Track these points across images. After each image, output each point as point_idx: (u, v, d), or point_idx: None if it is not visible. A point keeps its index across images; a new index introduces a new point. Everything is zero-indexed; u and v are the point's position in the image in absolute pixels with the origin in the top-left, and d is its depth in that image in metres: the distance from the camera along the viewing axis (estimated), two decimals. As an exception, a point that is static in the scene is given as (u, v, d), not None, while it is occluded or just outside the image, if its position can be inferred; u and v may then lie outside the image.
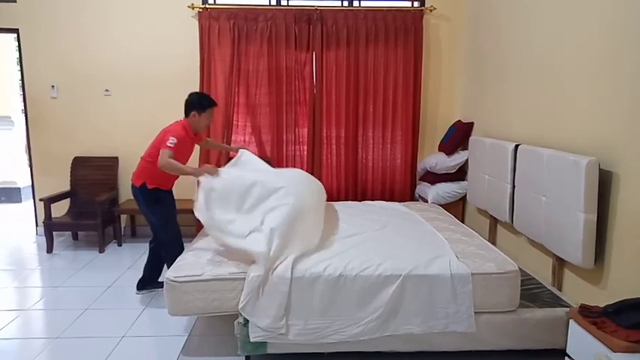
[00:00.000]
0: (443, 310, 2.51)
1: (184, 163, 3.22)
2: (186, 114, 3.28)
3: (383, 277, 2.52)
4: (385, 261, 2.60)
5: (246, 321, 2.48)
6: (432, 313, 2.52)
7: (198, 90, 4.69)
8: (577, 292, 2.73)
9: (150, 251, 3.55)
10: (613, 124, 2.43)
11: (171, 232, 3.37)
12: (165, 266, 3.41)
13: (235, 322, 2.51)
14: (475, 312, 2.53)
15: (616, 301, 2.05)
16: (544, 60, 3.13)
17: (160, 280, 3.49)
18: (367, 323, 2.49)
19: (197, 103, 3.26)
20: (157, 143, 3.23)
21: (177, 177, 3.37)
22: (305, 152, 4.87)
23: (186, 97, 4.70)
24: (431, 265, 2.58)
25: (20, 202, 6.70)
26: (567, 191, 2.57)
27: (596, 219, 2.44)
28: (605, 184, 2.45)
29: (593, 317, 2.00)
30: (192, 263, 2.70)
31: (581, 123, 2.70)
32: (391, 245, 2.89)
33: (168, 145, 3.04)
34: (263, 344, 2.51)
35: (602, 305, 2.06)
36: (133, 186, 3.35)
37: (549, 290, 2.83)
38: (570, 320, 2.10)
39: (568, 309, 2.52)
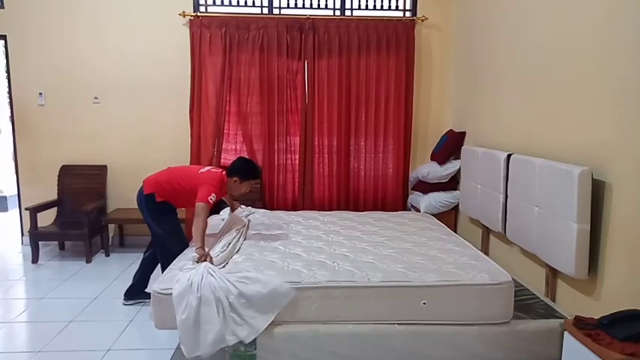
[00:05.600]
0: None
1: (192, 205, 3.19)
2: (229, 175, 3.23)
3: None
4: None
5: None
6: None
7: (188, 97, 4.67)
8: (571, 303, 2.70)
9: (142, 260, 3.50)
10: (605, 133, 2.42)
11: (179, 242, 3.30)
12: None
13: (224, 334, 2.45)
14: (468, 323, 2.51)
15: (610, 312, 2.02)
16: (535, 69, 3.14)
17: (147, 290, 3.42)
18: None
19: (243, 171, 3.23)
20: (194, 181, 3.15)
21: (187, 207, 3.35)
22: (297, 161, 4.84)
23: (177, 103, 4.73)
24: None
25: (6, 211, 6.59)
26: (560, 201, 2.56)
27: (589, 229, 2.42)
28: (598, 193, 2.44)
29: (588, 329, 1.97)
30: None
31: (574, 132, 2.70)
32: None
33: (209, 200, 3.02)
34: (252, 358, 2.45)
35: (596, 316, 2.03)
36: (140, 191, 3.29)
37: (543, 301, 2.81)
38: (565, 332, 2.06)
39: (562, 320, 2.50)
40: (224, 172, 3.26)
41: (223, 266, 2.74)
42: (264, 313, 2.44)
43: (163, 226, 3.28)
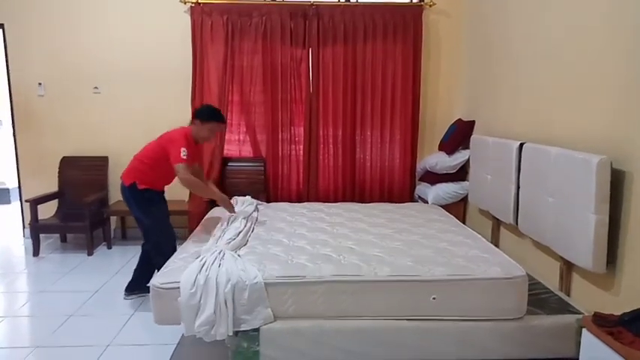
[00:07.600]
0: None
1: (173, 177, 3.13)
2: (191, 121, 3.23)
3: None
4: None
5: (237, 331, 2.34)
6: None
7: (190, 86, 4.57)
8: (587, 297, 2.59)
9: (142, 253, 3.43)
10: (625, 120, 2.30)
11: (165, 234, 3.25)
12: (156, 270, 3.27)
13: (226, 330, 2.37)
14: (479, 319, 2.41)
15: (631, 308, 1.92)
16: (549, 54, 3.00)
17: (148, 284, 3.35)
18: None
19: (203, 112, 3.21)
20: (158, 148, 3.12)
21: (171, 181, 3.27)
22: (301, 152, 4.73)
23: (179, 93, 4.63)
24: None
25: (9, 203, 6.54)
26: (576, 191, 2.44)
27: (607, 220, 2.31)
28: (616, 183, 2.32)
29: (609, 326, 1.86)
30: (180, 269, 2.54)
31: (591, 119, 2.57)
32: None
33: (182, 157, 2.92)
34: (255, 354, 2.37)
35: (614, 312, 1.93)
36: (122, 185, 3.25)
37: (557, 295, 2.70)
38: (583, 329, 1.96)
39: (579, 316, 2.40)
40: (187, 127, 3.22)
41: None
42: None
43: (151, 215, 3.21)
